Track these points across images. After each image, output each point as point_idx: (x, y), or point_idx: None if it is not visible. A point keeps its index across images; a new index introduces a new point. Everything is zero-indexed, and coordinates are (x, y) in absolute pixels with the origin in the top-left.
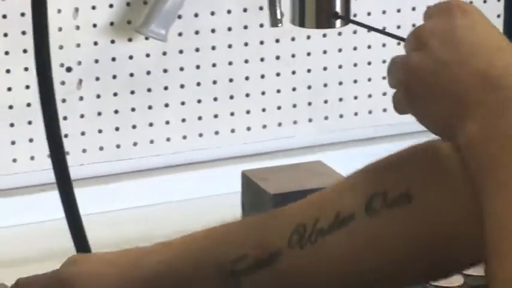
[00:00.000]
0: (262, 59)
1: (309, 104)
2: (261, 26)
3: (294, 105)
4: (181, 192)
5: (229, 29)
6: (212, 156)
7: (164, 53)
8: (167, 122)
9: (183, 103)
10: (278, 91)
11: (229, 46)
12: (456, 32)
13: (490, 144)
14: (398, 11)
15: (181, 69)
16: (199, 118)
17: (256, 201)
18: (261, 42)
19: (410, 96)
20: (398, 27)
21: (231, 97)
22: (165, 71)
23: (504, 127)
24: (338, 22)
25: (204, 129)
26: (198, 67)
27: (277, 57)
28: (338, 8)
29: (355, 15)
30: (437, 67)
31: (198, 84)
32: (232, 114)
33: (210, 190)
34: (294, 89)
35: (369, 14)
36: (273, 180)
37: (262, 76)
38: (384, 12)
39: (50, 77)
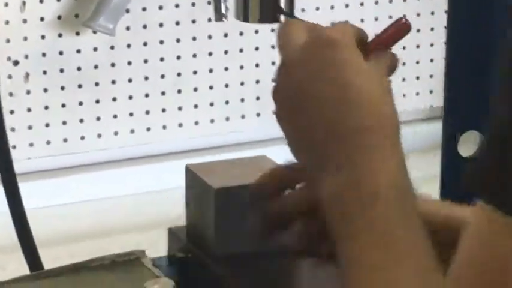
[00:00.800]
0: (210, 54)
1: (257, 98)
2: (209, 20)
3: (242, 100)
4: (128, 187)
5: (178, 23)
6: (160, 150)
7: (112, 47)
8: (115, 116)
9: (130, 97)
10: (226, 85)
11: (178, 40)
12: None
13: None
14: (347, 6)
15: (129, 63)
16: (147, 112)
17: (199, 196)
18: (209, 37)
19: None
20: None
21: (179, 91)
22: (112, 65)
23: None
24: (282, 17)
25: (152, 124)
26: (146, 61)
27: (226, 52)
28: (282, 2)
29: (303, 10)
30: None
31: (146, 78)
32: (180, 108)
33: (157, 184)
34: (242, 84)
35: (317, 8)
36: (217, 175)
37: (211, 70)
38: (332, 7)
39: None
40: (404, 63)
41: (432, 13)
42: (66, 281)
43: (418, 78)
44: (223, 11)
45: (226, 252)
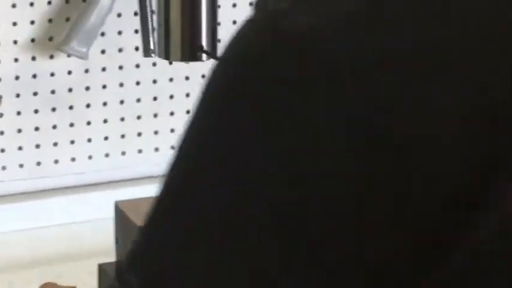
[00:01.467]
0: (187, 78)
1: None
2: None
3: None
4: (103, 211)
5: None
6: (135, 174)
7: (86, 71)
8: (89, 140)
9: (105, 121)
10: None
11: (154, 64)
12: None
13: None
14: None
15: (104, 86)
16: (122, 136)
17: (127, 233)
18: (187, 62)
19: None
20: None
21: (155, 115)
22: (87, 88)
23: None
24: (204, 55)
25: (127, 148)
26: (121, 85)
27: (203, 76)
28: (203, 41)
29: None
30: None
31: (121, 102)
32: (156, 132)
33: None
34: None
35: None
36: (145, 212)
37: (187, 95)
38: None
39: None
40: None
41: None
42: None
43: None
44: (151, 46)
45: None
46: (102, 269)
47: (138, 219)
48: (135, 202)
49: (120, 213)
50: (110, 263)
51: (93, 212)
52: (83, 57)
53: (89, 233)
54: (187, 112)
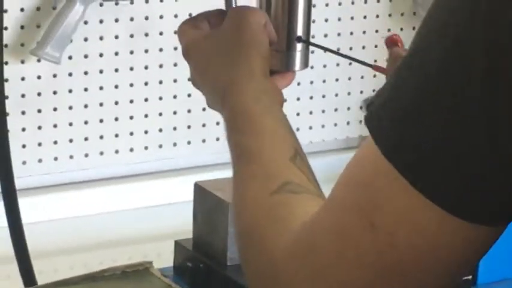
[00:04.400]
0: (146, 83)
1: (188, 127)
2: (146, 51)
3: (175, 128)
4: (66, 211)
5: (116, 53)
6: (97, 175)
7: (55, 75)
8: (55, 142)
9: (70, 124)
10: (160, 114)
11: (116, 70)
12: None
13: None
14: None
15: (70, 91)
16: (86, 139)
17: (210, 210)
18: (146, 67)
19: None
20: None
21: (116, 119)
22: (54, 92)
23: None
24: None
25: (90, 150)
26: (86, 89)
27: (160, 82)
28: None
29: None
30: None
31: (86, 106)
32: (116, 135)
33: (94, 208)
34: (174, 113)
35: None
36: (226, 191)
37: (146, 100)
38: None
39: None
40: (324, 96)
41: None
42: None
43: (336, 110)
44: None
45: (237, 261)
46: (178, 244)
47: (223, 195)
48: (213, 182)
49: (202, 191)
50: (186, 239)
51: (55, 212)
52: (57, 61)
53: (46, 233)
54: (145, 116)
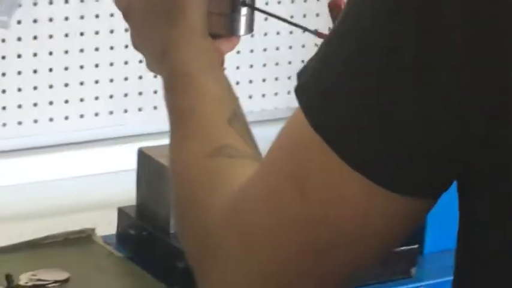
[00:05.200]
0: (96, 49)
1: (140, 93)
2: (97, 16)
3: (126, 95)
4: (8, 178)
5: (66, 18)
6: (47, 142)
7: (3, 40)
8: (3, 108)
9: (19, 89)
10: (111, 80)
11: (66, 35)
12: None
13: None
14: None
15: (19, 56)
16: (35, 105)
17: (153, 177)
18: (96, 33)
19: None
20: None
21: (66, 85)
22: (3, 57)
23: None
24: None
25: (39, 116)
26: (35, 55)
27: (111, 48)
28: None
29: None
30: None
31: (35, 71)
32: (66, 101)
33: (39, 176)
34: (125, 79)
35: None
36: None
37: (96, 65)
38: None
39: None
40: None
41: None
42: (22, 257)
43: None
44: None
45: None
46: (121, 211)
47: (166, 162)
48: (157, 148)
49: (146, 158)
50: (129, 206)
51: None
52: (4, 26)
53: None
54: (96, 82)
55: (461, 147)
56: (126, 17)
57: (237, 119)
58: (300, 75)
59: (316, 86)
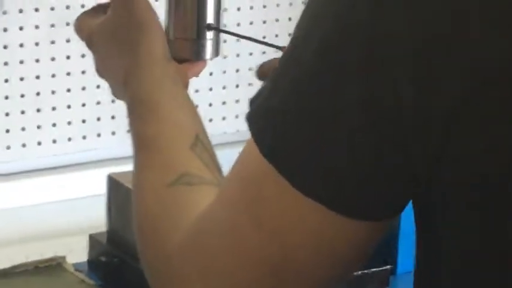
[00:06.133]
0: (68, 73)
1: (113, 117)
2: (68, 41)
3: (98, 119)
4: None
5: (37, 43)
6: (19, 168)
7: None
8: None
9: None
10: (83, 105)
11: (37, 60)
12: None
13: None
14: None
15: None
16: (7, 131)
17: (122, 203)
18: (68, 57)
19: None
20: None
21: (38, 110)
22: None
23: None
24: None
25: (12, 142)
26: (6, 81)
27: (83, 72)
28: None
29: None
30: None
31: (6, 97)
32: (39, 127)
33: (14, 202)
34: (98, 103)
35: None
36: None
37: (68, 90)
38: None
39: None
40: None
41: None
42: None
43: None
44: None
45: None
46: (92, 238)
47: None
48: (126, 174)
49: (115, 183)
50: (100, 233)
51: None
52: None
53: None
54: (68, 107)
55: (415, 167)
56: (89, 45)
57: (199, 143)
58: (251, 102)
59: (264, 113)
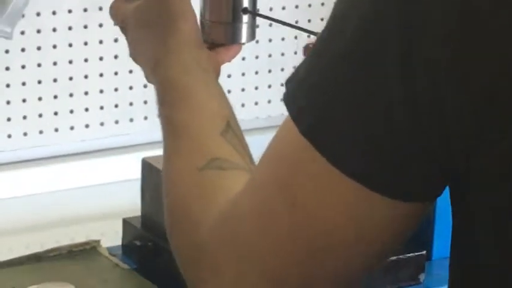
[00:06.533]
0: (101, 58)
1: (145, 102)
2: (100, 25)
3: (131, 104)
4: (18, 190)
5: (70, 28)
6: (52, 152)
7: (7, 51)
8: (8, 119)
9: (24, 100)
10: (116, 89)
11: (70, 45)
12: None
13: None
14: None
15: (23, 67)
16: (40, 115)
17: (157, 187)
18: (100, 42)
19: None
20: None
21: (71, 95)
22: (7, 68)
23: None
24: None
25: (44, 127)
26: (39, 65)
27: (116, 57)
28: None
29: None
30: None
31: (39, 82)
32: (71, 111)
33: (47, 187)
34: (130, 88)
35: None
36: None
37: (101, 75)
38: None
39: None
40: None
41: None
42: (27, 270)
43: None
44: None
45: None
46: (126, 222)
47: None
48: (161, 158)
49: (150, 167)
50: (134, 217)
51: (9, 191)
52: (8, 37)
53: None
54: (101, 92)
55: (452, 152)
56: (123, 29)
57: (230, 129)
58: (288, 82)
59: (303, 91)
